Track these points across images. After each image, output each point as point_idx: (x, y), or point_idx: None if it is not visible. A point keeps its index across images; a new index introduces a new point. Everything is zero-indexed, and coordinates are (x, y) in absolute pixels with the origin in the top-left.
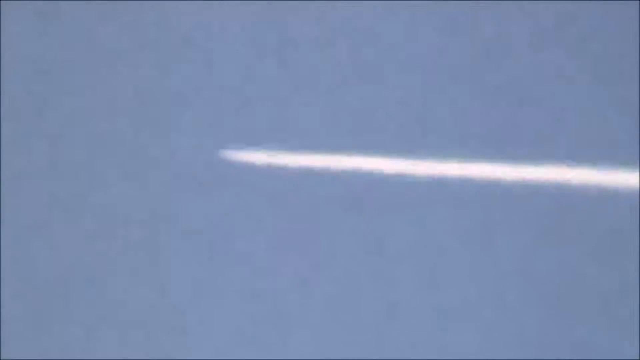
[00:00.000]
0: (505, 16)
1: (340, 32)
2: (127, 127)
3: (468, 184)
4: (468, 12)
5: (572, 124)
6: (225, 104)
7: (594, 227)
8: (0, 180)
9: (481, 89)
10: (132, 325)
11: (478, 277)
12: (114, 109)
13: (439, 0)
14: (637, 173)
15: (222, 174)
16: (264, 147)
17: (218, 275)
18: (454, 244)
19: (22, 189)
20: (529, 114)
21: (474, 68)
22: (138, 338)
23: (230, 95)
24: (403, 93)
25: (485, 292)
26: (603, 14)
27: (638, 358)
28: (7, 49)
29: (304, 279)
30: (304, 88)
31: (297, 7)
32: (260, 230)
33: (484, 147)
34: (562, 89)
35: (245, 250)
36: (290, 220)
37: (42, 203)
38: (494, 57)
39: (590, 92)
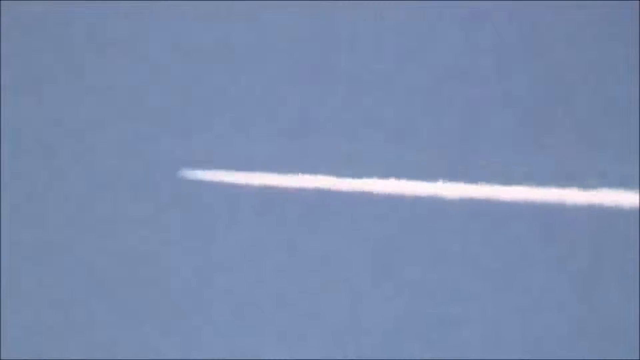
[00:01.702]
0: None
1: (312, 42)
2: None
3: (465, 204)
4: (461, 16)
5: (572, 142)
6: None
7: (593, 246)
8: (0, 180)
9: (476, 104)
10: (131, 326)
11: (474, 296)
12: (110, 114)
13: (430, 4)
14: (638, 192)
15: (183, 193)
16: (224, 166)
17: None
18: (451, 262)
19: (16, 190)
20: (530, 132)
21: (467, 81)
22: (137, 338)
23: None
24: (384, 107)
25: (483, 307)
26: (602, 17)
27: (638, 358)
28: (7, 49)
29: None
30: (279, 101)
31: (259, 18)
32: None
33: (481, 166)
34: (561, 104)
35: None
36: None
37: (32, 206)
38: (490, 70)
39: (589, 107)
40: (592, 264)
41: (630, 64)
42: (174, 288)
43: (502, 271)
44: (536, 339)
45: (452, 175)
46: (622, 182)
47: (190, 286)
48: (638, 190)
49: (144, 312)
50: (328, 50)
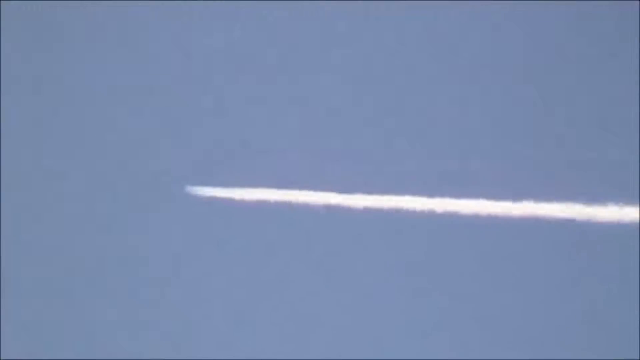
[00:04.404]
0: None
1: (311, 40)
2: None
3: (467, 221)
4: (457, 18)
5: (571, 160)
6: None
7: (595, 261)
8: (0, 180)
9: (473, 120)
10: (131, 327)
11: (475, 308)
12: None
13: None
14: (638, 208)
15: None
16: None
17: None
18: (453, 280)
19: (19, 191)
20: (531, 150)
21: (460, 95)
22: (137, 338)
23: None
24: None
25: (484, 306)
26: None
27: (638, 358)
28: (7, 49)
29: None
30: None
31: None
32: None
33: (481, 185)
34: (560, 104)
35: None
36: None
37: (39, 205)
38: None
39: (589, 108)
40: (593, 266)
41: (630, 64)
42: (174, 289)
43: (501, 272)
44: (536, 339)
45: (451, 188)
46: (622, 191)
47: (191, 292)
48: (638, 203)
49: (143, 312)
50: (325, 49)
